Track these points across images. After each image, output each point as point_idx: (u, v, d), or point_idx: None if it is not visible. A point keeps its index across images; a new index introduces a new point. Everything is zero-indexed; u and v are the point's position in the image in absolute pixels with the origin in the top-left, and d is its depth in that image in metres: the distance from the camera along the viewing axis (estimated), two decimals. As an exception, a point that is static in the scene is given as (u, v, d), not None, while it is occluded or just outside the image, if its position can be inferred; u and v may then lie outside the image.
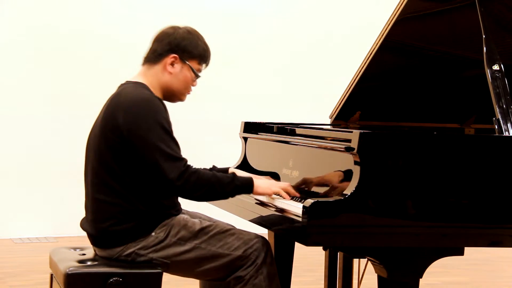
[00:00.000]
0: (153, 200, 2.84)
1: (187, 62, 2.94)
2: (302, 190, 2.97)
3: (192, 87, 3.00)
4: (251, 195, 3.00)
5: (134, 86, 2.89)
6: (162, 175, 2.74)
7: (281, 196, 2.91)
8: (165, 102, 2.94)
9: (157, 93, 2.93)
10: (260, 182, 2.91)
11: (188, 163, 2.79)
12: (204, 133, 7.14)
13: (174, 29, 2.97)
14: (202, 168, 2.88)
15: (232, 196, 2.90)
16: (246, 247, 2.86)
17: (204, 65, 3.00)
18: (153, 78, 2.93)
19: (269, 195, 2.93)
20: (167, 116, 2.83)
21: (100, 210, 2.84)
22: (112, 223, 2.82)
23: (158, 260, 2.84)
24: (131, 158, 2.79)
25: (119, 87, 2.97)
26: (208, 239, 2.86)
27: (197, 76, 2.97)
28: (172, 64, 2.92)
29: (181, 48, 2.93)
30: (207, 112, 7.27)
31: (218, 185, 2.81)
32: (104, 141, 2.82)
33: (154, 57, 2.94)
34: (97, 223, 2.85)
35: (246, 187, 2.87)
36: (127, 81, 2.97)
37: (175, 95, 2.98)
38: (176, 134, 2.84)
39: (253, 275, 2.84)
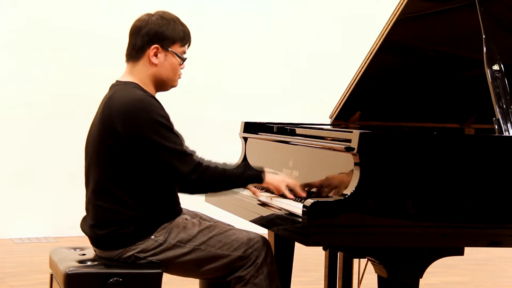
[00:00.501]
0: (154, 204, 2.84)
1: (170, 49, 2.89)
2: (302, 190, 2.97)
3: (182, 70, 2.96)
4: (253, 195, 3.01)
5: (125, 88, 2.86)
6: (176, 172, 2.75)
7: (285, 196, 2.91)
8: (160, 98, 2.93)
9: (149, 87, 2.90)
10: (271, 174, 2.92)
11: (198, 156, 2.80)
12: (204, 133, 7.14)
13: (148, 16, 2.92)
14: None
15: (244, 186, 2.92)
16: (246, 247, 2.85)
17: (187, 45, 2.95)
18: (141, 75, 2.90)
19: (277, 187, 2.92)
20: (164, 112, 2.82)
21: (101, 216, 2.83)
22: (112, 230, 2.81)
23: (157, 263, 2.83)
24: (134, 163, 2.78)
25: (111, 88, 2.94)
26: (208, 241, 2.86)
27: (183, 60, 2.94)
28: (155, 55, 2.88)
29: (160, 36, 2.87)
30: (207, 112, 7.27)
31: (232, 178, 2.83)
32: (103, 148, 2.81)
33: (135, 52, 2.89)
34: (97, 229, 2.84)
35: (257, 177, 2.89)
36: (117, 81, 2.94)
37: (166, 84, 2.94)
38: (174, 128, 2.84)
39: (253, 274, 2.83)
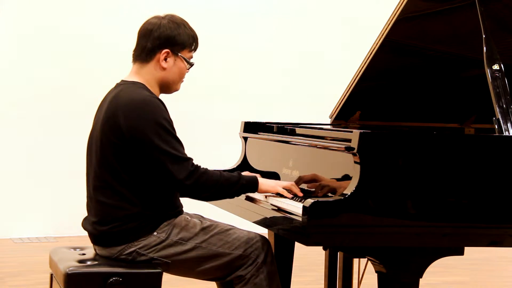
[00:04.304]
0: (157, 201, 2.84)
1: (180, 54, 2.91)
2: (301, 189, 2.97)
3: (186, 74, 2.98)
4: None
5: (132, 87, 2.87)
6: (171, 177, 2.75)
7: (283, 196, 2.91)
8: (164, 99, 2.93)
9: (154, 89, 2.91)
10: (265, 181, 2.93)
11: (195, 162, 2.80)
12: (204, 133, 7.14)
13: (158, 19, 2.91)
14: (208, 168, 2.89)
15: (238, 195, 2.92)
16: (246, 246, 2.87)
17: (194, 50, 2.97)
18: (148, 76, 2.91)
19: (273, 193, 2.93)
20: (168, 115, 2.82)
21: (104, 213, 2.83)
22: (115, 225, 2.82)
23: (158, 260, 2.84)
24: (136, 161, 2.78)
25: (116, 87, 2.95)
26: (209, 239, 2.87)
27: (190, 65, 2.95)
28: (165, 59, 2.89)
29: (171, 41, 2.88)
30: (207, 112, 7.27)
31: (226, 184, 2.82)
32: (106, 144, 2.81)
33: (145, 54, 2.90)
34: (100, 225, 2.85)
35: (252, 185, 2.89)
36: (122, 81, 2.95)
37: (171, 87, 2.96)
38: (177, 133, 2.84)
39: (254, 274, 2.84)
